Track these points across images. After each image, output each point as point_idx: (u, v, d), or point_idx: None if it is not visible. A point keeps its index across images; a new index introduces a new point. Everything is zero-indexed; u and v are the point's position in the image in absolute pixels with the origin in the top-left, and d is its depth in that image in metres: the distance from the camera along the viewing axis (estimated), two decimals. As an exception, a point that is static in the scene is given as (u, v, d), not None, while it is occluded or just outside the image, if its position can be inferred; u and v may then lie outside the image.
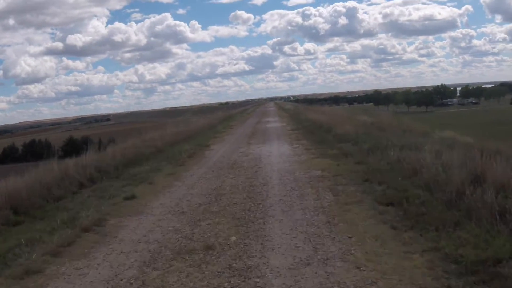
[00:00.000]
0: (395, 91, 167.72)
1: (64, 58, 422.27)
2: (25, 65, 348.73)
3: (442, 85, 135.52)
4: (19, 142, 67.73)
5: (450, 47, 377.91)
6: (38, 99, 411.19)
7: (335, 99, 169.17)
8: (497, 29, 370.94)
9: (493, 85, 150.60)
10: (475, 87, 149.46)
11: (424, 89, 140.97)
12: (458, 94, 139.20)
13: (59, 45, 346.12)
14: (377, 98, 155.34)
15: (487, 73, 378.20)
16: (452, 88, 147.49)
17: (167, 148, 14.17)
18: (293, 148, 12.94)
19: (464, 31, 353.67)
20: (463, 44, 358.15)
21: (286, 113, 41.46)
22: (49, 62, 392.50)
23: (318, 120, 20.58)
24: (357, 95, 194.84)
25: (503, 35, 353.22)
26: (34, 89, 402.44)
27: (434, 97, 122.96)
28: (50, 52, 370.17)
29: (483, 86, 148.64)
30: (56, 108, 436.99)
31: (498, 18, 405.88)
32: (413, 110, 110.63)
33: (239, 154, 12.49)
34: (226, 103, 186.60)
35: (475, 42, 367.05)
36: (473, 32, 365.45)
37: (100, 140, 34.99)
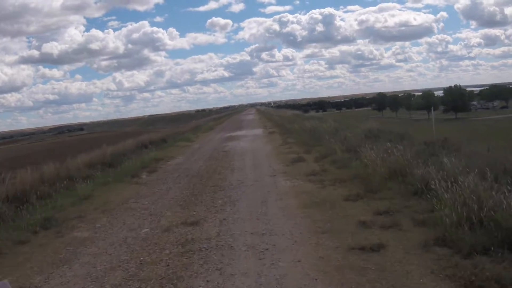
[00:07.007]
0: (408, 93, 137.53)
1: (40, 67, 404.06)
2: (2, 74, 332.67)
3: (455, 85, 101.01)
4: None
5: (427, 52, 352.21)
6: (16, 108, 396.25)
7: (320, 104, 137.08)
8: (472, 34, 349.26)
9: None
10: (507, 86, 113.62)
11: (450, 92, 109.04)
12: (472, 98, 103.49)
13: (35, 53, 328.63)
14: (381, 101, 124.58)
15: (464, 77, 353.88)
16: (477, 90, 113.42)
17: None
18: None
19: (440, 36, 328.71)
20: (439, 49, 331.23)
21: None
22: (26, 71, 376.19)
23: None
24: (342, 100, 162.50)
25: (478, 40, 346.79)
26: (11, 98, 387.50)
27: (466, 100, 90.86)
28: (27, 60, 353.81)
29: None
30: (34, 117, 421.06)
31: (473, 23, 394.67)
32: (437, 116, 78.56)
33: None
34: (203, 110, 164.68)
35: (451, 47, 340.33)
36: (449, 38, 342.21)
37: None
